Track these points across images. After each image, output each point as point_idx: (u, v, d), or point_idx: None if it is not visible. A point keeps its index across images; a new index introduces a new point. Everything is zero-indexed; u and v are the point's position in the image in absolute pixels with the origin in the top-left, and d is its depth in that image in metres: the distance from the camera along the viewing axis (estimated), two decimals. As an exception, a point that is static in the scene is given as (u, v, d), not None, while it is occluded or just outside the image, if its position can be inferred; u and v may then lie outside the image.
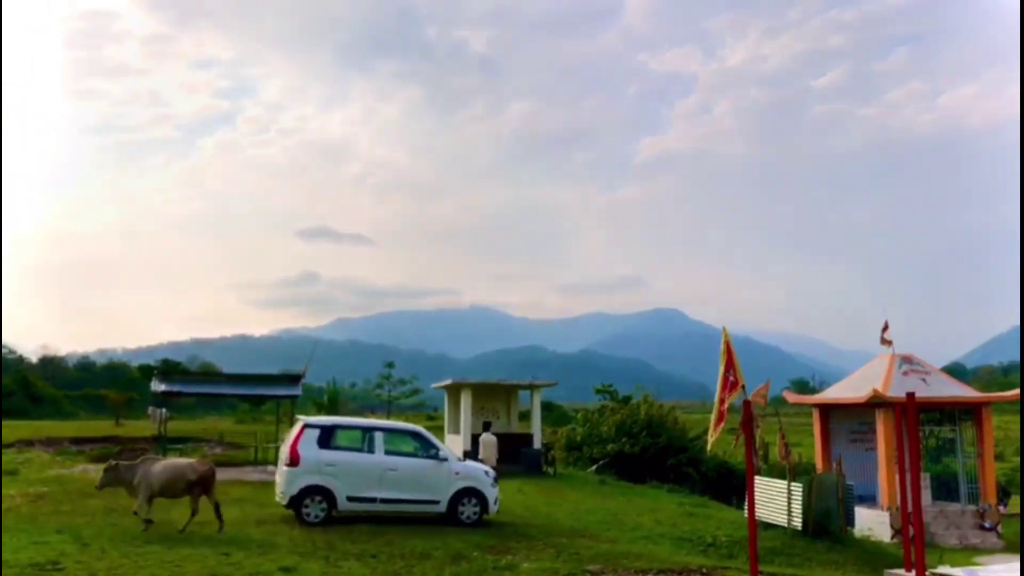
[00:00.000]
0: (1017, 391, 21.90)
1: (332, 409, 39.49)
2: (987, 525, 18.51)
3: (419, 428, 14.03)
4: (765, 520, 14.54)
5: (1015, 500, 23.26)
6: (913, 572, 5.44)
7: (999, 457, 25.81)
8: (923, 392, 19.13)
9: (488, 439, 18.47)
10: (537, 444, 23.49)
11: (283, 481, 12.73)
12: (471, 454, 20.00)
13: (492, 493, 13.38)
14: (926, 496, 19.30)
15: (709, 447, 6.95)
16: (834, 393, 22.10)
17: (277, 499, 13.05)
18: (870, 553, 14.20)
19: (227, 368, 57.69)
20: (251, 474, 19.49)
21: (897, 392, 18.54)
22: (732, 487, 22.94)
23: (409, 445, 13.43)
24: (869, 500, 19.60)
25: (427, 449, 13.34)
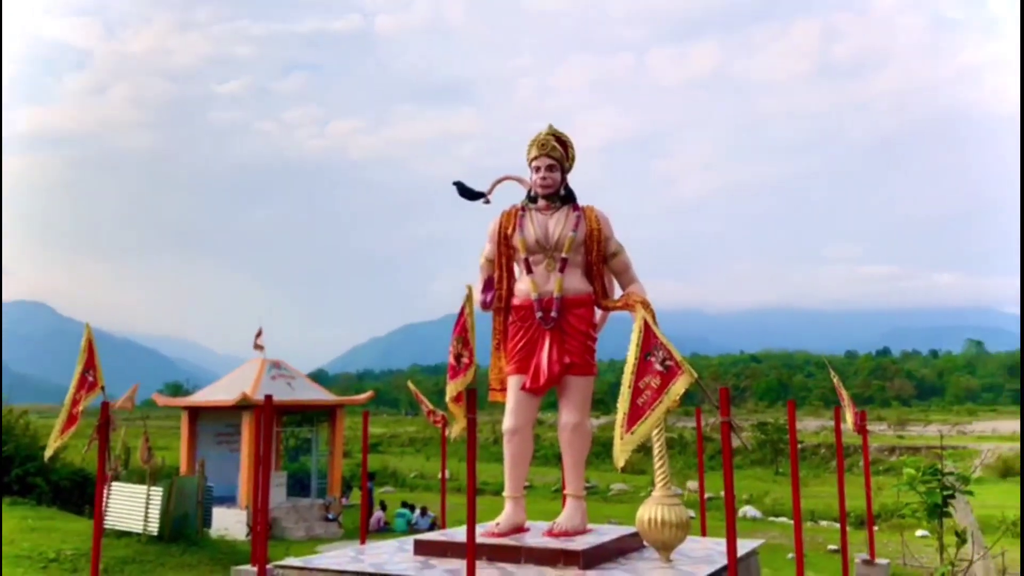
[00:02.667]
0: (368, 394, 24.78)
1: None
2: (331, 516, 20.49)
3: None
4: (121, 528, 13.85)
5: (356, 492, 26.16)
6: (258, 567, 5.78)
7: (348, 455, 28.84)
8: (288, 395, 20.42)
9: None
10: None
11: None
12: None
13: None
14: (281, 493, 20.56)
15: (48, 452, 6.30)
16: (204, 396, 22.23)
17: None
18: (224, 552, 14.53)
19: None
20: None
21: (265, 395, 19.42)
22: (88, 496, 21.33)
23: None
24: (231, 500, 20.09)
25: None
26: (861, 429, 7.20)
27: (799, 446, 42.04)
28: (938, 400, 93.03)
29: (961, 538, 4.40)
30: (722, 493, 32.55)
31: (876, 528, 20.41)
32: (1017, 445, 43.41)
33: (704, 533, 7.75)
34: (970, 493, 4.89)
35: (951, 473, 4.52)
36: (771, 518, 26.08)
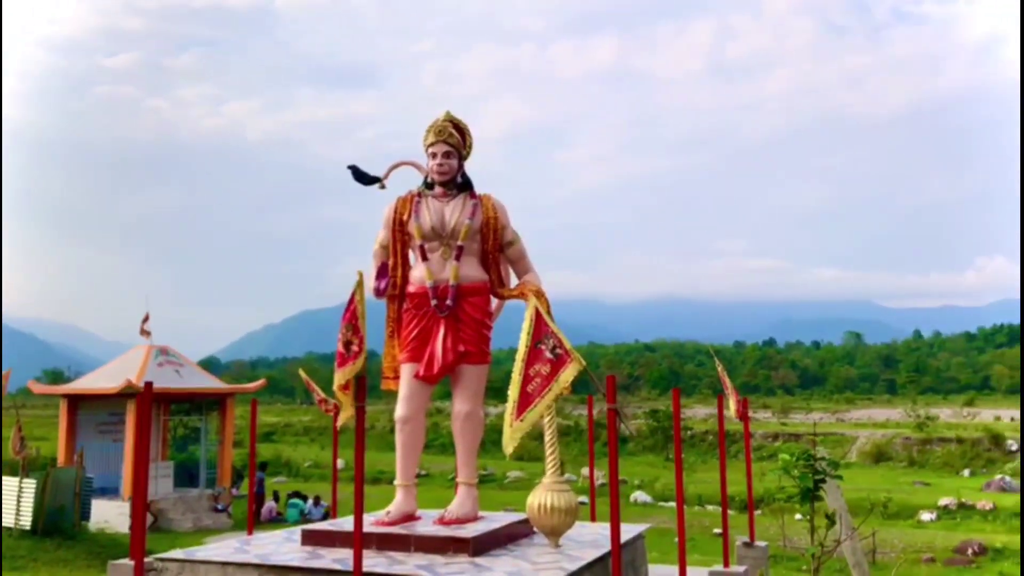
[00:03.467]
0: (259, 382, 24.19)
1: None
2: (220, 507, 19.94)
3: None
4: (-12, 523, 13.11)
5: (247, 482, 25.56)
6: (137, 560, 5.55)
7: (239, 444, 28.10)
8: (176, 383, 19.73)
9: None
10: None
11: None
12: None
13: None
14: (168, 484, 19.88)
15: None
16: (86, 383, 21.23)
17: None
18: (103, 546, 13.97)
19: None
20: None
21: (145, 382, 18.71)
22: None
23: None
24: (113, 492, 19.31)
25: None
26: (743, 416, 7.47)
27: (688, 433, 43.49)
28: (819, 389, 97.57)
29: (831, 520, 4.64)
30: (626, 479, 33.26)
31: (759, 512, 21.29)
32: (889, 431, 45.96)
33: (594, 518, 7.90)
34: (839, 478, 5.15)
35: (823, 459, 4.75)
36: (661, 503, 26.85)
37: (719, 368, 7.64)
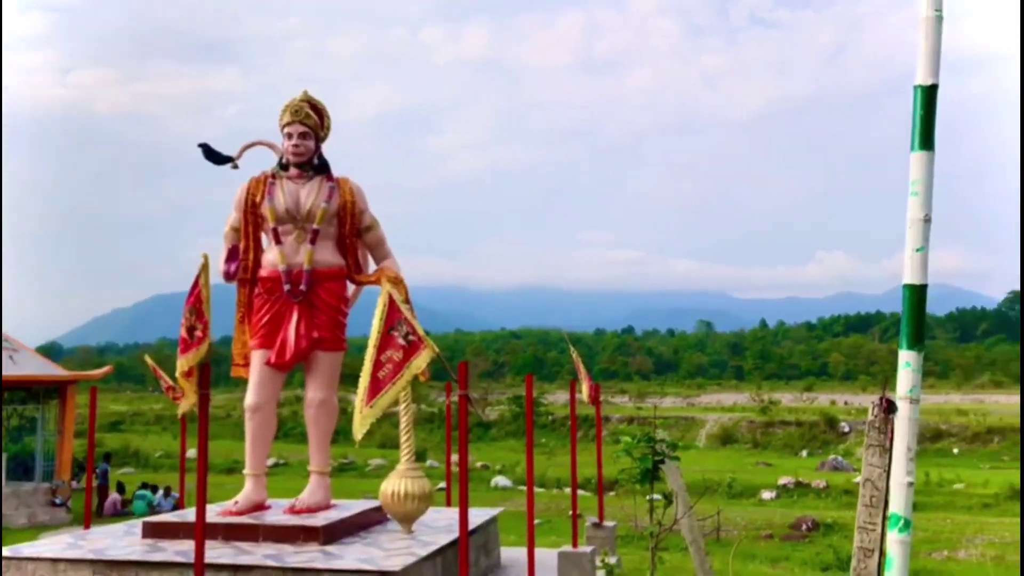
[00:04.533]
0: (104, 369, 22.92)
1: None
2: (58, 501, 18.82)
3: None
4: None
5: (84, 477, 24.24)
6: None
7: (81, 434, 26.54)
8: (11, 370, 18.46)
9: None
10: None
11: None
12: None
13: None
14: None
15: None
16: (-95, 371, 19.51)
17: None
18: (-77, 546, 12.88)
19: None
20: None
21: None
22: None
23: None
24: (-65, 488, 17.87)
25: None
26: (595, 401, 7.71)
27: (550, 418, 44.35)
28: (673, 375, 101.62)
29: (668, 499, 4.89)
30: (479, 464, 33.65)
31: (613, 494, 22.00)
32: (736, 415, 48.50)
33: (450, 504, 7.96)
34: (677, 459, 5.42)
35: (662, 441, 4.98)
36: (521, 487, 27.35)
37: (574, 355, 7.85)
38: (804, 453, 38.14)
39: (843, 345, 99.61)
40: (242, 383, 6.78)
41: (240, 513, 5.91)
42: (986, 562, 18.03)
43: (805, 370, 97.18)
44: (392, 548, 5.43)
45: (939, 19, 3.49)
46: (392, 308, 4.83)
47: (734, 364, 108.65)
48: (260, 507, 6.09)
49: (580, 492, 20.63)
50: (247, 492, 6.10)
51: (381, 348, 4.74)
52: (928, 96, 3.51)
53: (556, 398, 53.17)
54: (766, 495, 27.02)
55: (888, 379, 3.43)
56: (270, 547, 5.36)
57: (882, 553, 3.59)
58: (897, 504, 3.36)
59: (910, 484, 3.37)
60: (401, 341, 4.73)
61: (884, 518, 3.55)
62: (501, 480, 28.23)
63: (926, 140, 3.49)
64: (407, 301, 6.12)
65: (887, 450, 3.65)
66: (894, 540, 3.33)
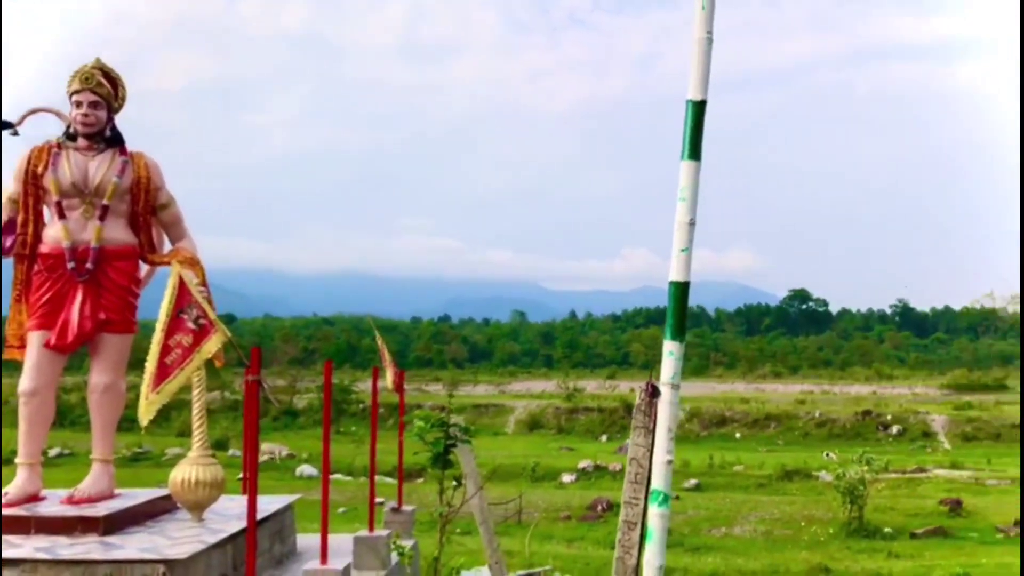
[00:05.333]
0: None
1: None
2: None
3: None
4: None
5: None
6: None
7: None
8: None
9: None
10: None
11: None
12: None
13: None
14: None
15: None
16: None
17: None
18: None
19: None
20: None
21: None
22: None
23: None
24: None
25: None
26: (399, 388, 7.81)
27: (360, 406, 44.04)
28: (487, 363, 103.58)
29: (458, 482, 5.09)
30: (284, 453, 32.85)
31: (422, 480, 22.22)
32: (544, 402, 50.19)
33: (244, 491, 7.80)
34: (468, 442, 5.63)
35: (455, 425, 5.16)
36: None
37: (379, 342, 7.91)
38: (604, 438, 40.18)
39: (643, 336, 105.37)
40: (18, 367, 6.34)
41: (10, 505, 5.52)
42: (758, 537, 19.85)
43: (609, 359, 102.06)
44: (179, 536, 5.28)
45: (709, 41, 3.85)
46: (182, 290, 4.70)
47: (545, 353, 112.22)
48: (34, 498, 5.72)
49: (388, 480, 20.66)
50: (20, 482, 5.71)
51: (169, 332, 4.62)
52: (697, 111, 3.87)
53: (368, 386, 52.72)
54: (567, 478, 28.25)
55: (655, 367, 3.78)
56: (43, 539, 5.06)
57: (644, 526, 3.94)
58: (658, 480, 3.71)
59: (669, 462, 3.73)
60: (191, 325, 4.61)
61: (647, 494, 3.90)
62: (307, 469, 27.77)
63: (694, 151, 3.85)
64: (203, 284, 5.95)
65: (651, 431, 4.01)
66: (654, 514, 3.68)
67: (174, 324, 4.66)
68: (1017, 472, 26.45)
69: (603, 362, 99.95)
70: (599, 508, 20.93)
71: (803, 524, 20.60)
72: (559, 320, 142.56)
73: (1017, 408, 46.78)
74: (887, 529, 19.80)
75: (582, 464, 30.49)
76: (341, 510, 21.37)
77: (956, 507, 22.03)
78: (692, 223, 3.76)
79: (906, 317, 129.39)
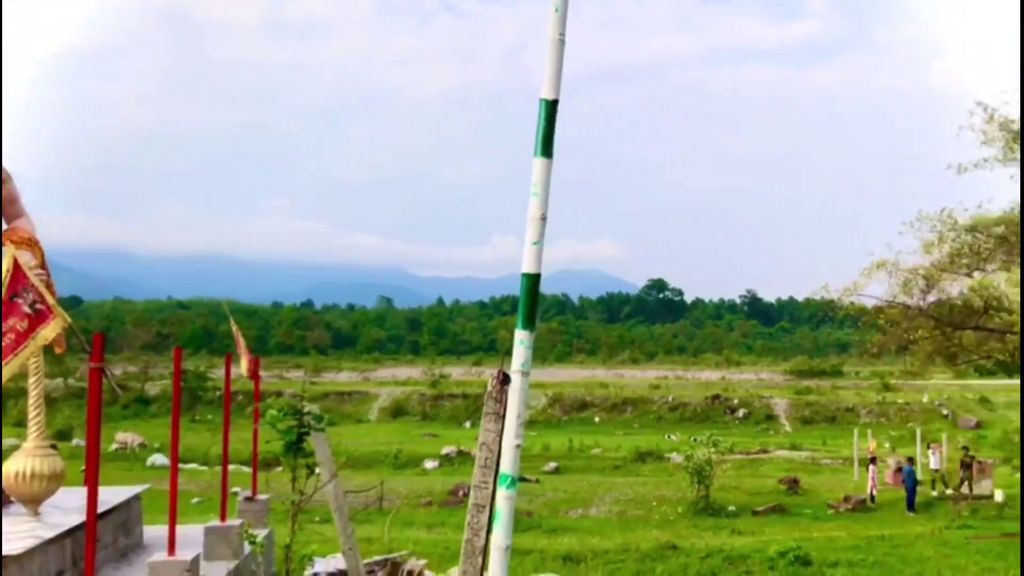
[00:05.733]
0: None
1: None
2: None
3: None
4: None
5: None
6: None
7: None
8: None
9: None
10: None
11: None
12: None
13: None
14: None
15: None
16: None
17: None
18: None
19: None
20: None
21: None
22: None
23: None
24: None
25: None
26: (254, 375, 7.65)
27: (217, 393, 42.61)
28: (351, 350, 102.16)
29: (311, 470, 5.09)
30: (136, 443, 31.33)
31: (280, 469, 21.78)
32: (408, 389, 50.03)
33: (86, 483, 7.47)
34: (322, 430, 5.63)
35: (309, 413, 5.14)
36: (181, 465, 26.07)
37: (233, 327, 7.71)
38: (468, 424, 40.51)
39: (509, 323, 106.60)
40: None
41: None
42: (612, 517, 20.61)
43: (476, 346, 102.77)
44: (13, 532, 5.01)
45: (562, 42, 3.99)
46: (17, 273, 4.41)
47: (411, 339, 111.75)
48: None
49: (245, 469, 20.10)
50: None
51: (3, 317, 4.32)
52: (550, 109, 4.01)
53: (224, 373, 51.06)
54: (429, 464, 28.35)
55: (506, 355, 3.90)
56: None
57: (492, 509, 4.07)
58: (506, 464, 3.83)
59: (518, 447, 3.86)
60: (27, 309, 4.32)
61: (496, 478, 4.03)
62: (160, 459, 26.68)
63: (546, 148, 3.99)
64: (42, 266, 5.65)
65: (501, 417, 4.14)
66: (502, 496, 3.81)
67: (8, 309, 4.35)
68: (850, 452, 28.65)
69: (470, 349, 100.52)
70: (460, 494, 21.13)
71: (654, 504, 21.55)
72: (426, 306, 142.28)
73: (850, 393, 50.49)
74: (731, 507, 20.99)
75: (445, 450, 30.66)
76: (196, 500, 20.67)
77: (793, 486, 23.63)
78: (544, 218, 3.89)
79: (754, 307, 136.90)
